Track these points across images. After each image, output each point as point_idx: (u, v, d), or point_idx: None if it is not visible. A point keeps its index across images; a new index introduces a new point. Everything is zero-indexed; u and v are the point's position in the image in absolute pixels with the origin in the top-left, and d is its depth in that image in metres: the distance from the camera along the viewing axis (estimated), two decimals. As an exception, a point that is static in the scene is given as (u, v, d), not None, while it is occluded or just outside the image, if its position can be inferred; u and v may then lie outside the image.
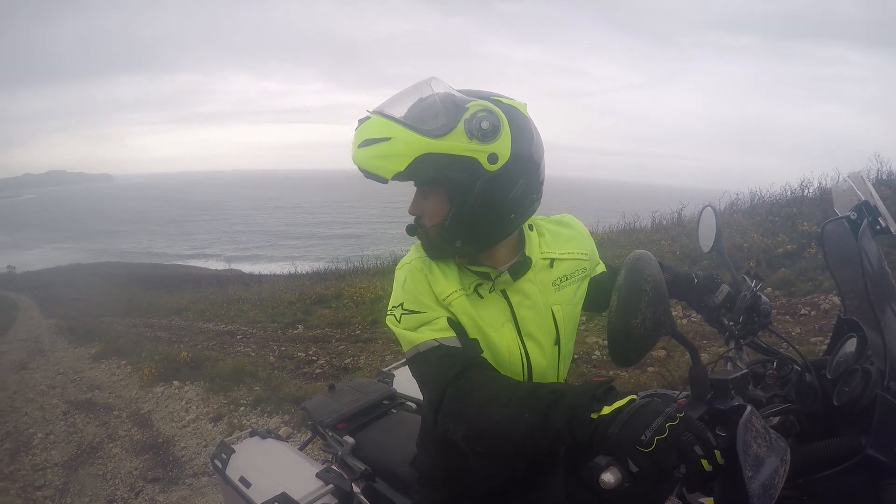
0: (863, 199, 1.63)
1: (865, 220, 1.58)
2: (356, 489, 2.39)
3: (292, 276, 22.16)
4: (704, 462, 1.16)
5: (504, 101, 1.64)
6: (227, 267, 37.27)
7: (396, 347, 8.10)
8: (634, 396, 1.26)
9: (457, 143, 1.56)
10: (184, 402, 7.41)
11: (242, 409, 6.68)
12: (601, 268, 2.08)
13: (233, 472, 2.66)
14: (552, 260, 1.85)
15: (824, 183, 12.91)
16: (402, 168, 1.56)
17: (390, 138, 1.55)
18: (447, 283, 1.69)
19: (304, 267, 24.83)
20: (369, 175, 1.60)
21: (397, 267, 1.79)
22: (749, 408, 1.22)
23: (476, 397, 1.47)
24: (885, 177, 12.66)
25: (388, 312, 1.72)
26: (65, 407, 8.07)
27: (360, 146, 1.58)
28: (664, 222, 15.92)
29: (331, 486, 2.40)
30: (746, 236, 10.57)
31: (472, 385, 1.51)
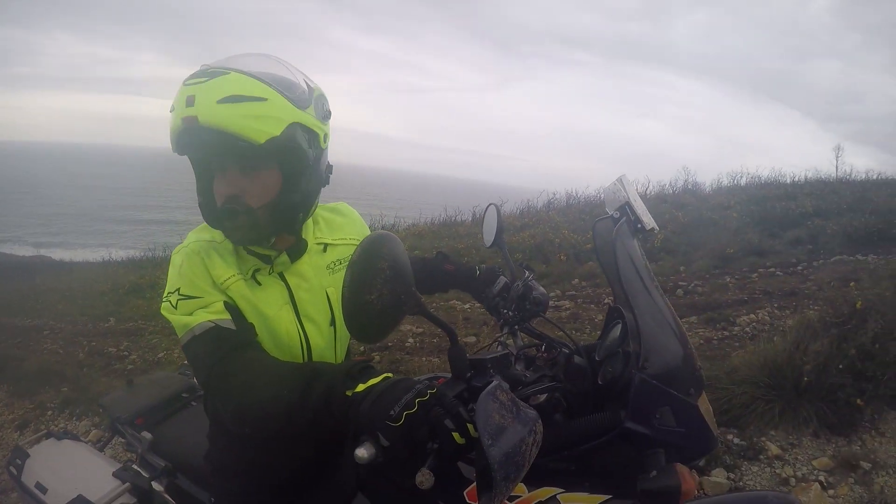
0: (627, 199, 1.81)
1: (624, 219, 1.78)
2: (158, 487, 2.33)
3: (106, 264, 20.70)
4: (456, 435, 1.21)
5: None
6: (36, 253, 34.57)
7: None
8: (389, 375, 1.30)
9: (312, 119, 1.61)
10: None
11: (50, 413, 6.29)
12: None
13: (28, 479, 2.56)
14: (325, 245, 1.90)
15: (636, 188, 14.13)
16: (278, 133, 1.52)
17: (266, 99, 1.50)
18: (225, 267, 1.66)
19: (119, 254, 23.47)
20: (231, 135, 1.47)
21: (174, 251, 1.72)
22: (495, 381, 1.28)
23: (241, 377, 1.46)
24: (690, 187, 13.97)
25: (164, 299, 1.64)
26: None
27: (221, 101, 1.46)
28: (483, 217, 16.46)
29: (128, 484, 2.35)
30: (558, 232, 11.24)
31: (239, 365, 1.50)
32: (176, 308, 1.60)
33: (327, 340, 1.87)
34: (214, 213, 1.66)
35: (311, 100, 1.63)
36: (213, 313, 1.58)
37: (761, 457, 3.88)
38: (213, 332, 1.56)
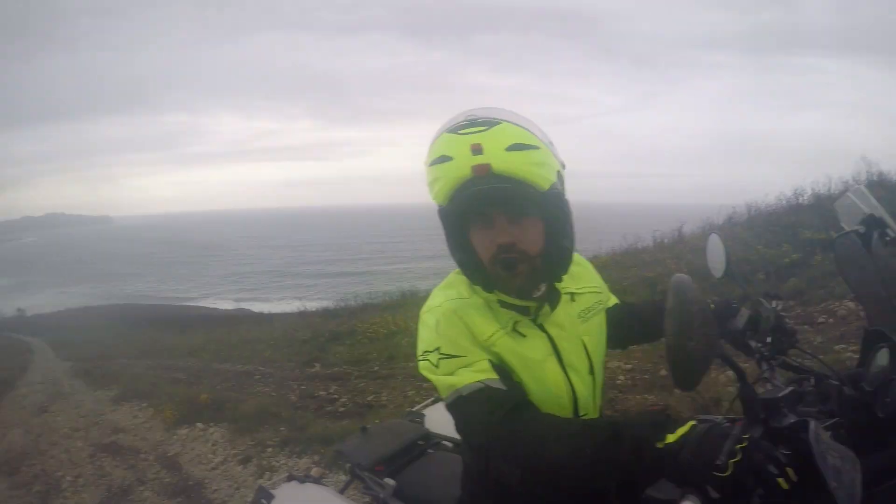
0: (868, 212, 1.70)
1: (875, 233, 1.66)
2: None
3: (302, 314, 21.91)
4: (781, 481, 1.15)
5: None
6: (237, 307, 36.94)
7: (418, 383, 8.06)
8: (693, 421, 1.25)
9: (560, 167, 1.61)
10: (210, 444, 7.34)
11: (270, 450, 6.61)
12: (613, 300, 2.11)
13: None
14: (572, 294, 1.83)
15: (818, 189, 12.70)
16: (555, 179, 1.54)
17: (539, 147, 1.52)
18: (486, 323, 1.63)
19: (312, 305, 24.57)
20: (521, 182, 1.49)
21: (423, 311, 1.71)
22: (813, 422, 1.23)
23: (529, 437, 1.41)
24: (875, 178, 12.62)
25: (422, 358, 1.63)
26: (91, 450, 8.06)
27: (509, 149, 1.47)
28: (665, 241, 15.70)
29: None
30: (750, 249, 10.50)
31: (522, 425, 1.44)
32: (437, 367, 1.58)
33: (589, 390, 1.80)
34: (478, 266, 1.64)
35: (555, 149, 1.62)
36: (479, 372, 1.54)
37: None
38: (485, 393, 1.51)
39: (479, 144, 1.47)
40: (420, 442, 2.86)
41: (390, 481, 2.51)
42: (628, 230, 17.42)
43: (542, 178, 1.51)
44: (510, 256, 1.56)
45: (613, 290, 2.17)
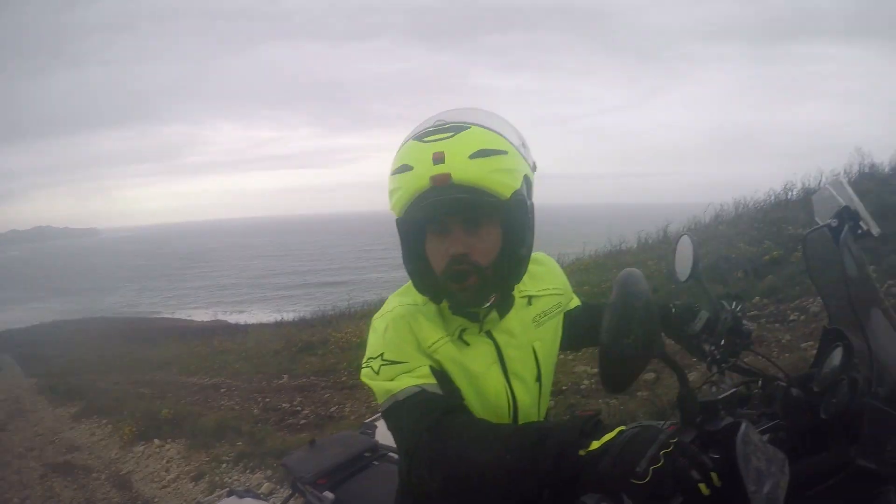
0: (843, 204, 1.61)
1: (847, 226, 1.56)
2: None
3: (279, 325, 21.96)
4: (702, 486, 1.12)
5: None
6: (213, 318, 36.91)
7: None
8: (623, 427, 1.18)
9: (530, 170, 1.55)
10: (164, 460, 7.22)
11: (224, 465, 6.52)
12: (575, 302, 2.04)
13: None
14: (530, 297, 1.79)
15: (808, 184, 12.65)
16: (518, 186, 1.48)
17: (507, 152, 1.47)
18: (433, 329, 1.59)
19: (290, 315, 24.58)
20: (482, 191, 1.44)
21: (375, 317, 1.68)
22: (745, 423, 1.22)
23: (454, 443, 1.35)
24: (867, 170, 12.49)
25: (365, 364, 1.59)
26: (42, 470, 7.91)
27: (473, 156, 1.43)
28: (650, 241, 15.61)
29: None
30: (732, 246, 10.39)
31: (450, 430, 1.38)
32: (378, 374, 1.54)
33: (533, 397, 1.76)
34: (431, 278, 1.59)
35: (527, 150, 1.58)
36: (418, 378, 1.51)
37: None
38: (419, 397, 1.47)
39: (441, 153, 1.43)
40: (367, 454, 2.84)
41: (329, 495, 2.51)
42: (616, 232, 17.31)
43: (505, 186, 1.45)
44: (461, 269, 1.51)
45: (592, 293, 2.14)
